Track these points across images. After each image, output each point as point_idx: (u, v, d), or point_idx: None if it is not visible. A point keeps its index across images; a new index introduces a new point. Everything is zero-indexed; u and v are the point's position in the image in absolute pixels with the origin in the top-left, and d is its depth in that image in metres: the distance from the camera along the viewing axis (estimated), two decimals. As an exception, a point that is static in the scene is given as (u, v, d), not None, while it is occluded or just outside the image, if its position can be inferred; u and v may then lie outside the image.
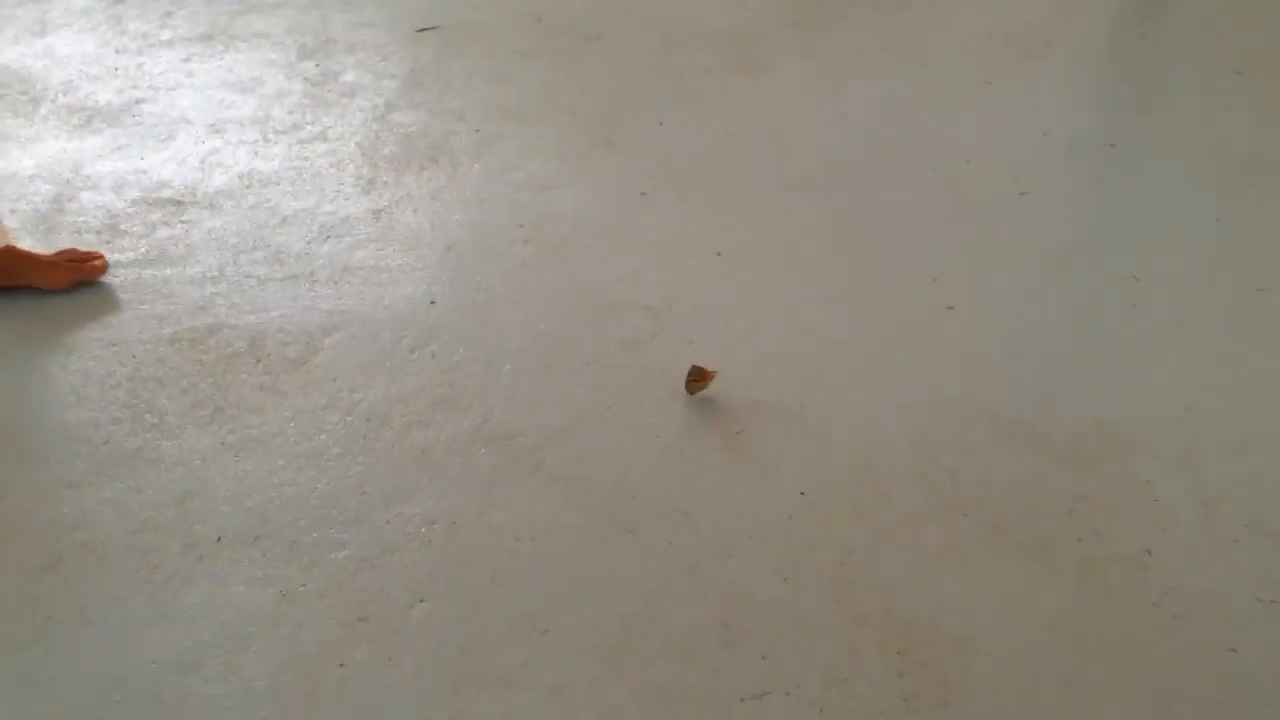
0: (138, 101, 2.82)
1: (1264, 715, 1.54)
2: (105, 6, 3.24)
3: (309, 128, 2.72)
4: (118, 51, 3.03)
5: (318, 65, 2.96)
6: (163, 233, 2.39)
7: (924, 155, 2.63)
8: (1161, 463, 1.88)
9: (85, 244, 2.35)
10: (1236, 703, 1.55)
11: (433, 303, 2.21)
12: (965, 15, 3.20)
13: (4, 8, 3.22)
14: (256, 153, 2.63)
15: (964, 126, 2.73)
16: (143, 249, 2.35)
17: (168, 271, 2.29)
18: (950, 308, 2.20)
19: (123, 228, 2.41)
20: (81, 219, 2.43)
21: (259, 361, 2.08)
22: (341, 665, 1.59)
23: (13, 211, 2.42)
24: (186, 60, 2.99)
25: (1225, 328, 2.16)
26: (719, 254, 2.33)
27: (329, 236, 2.38)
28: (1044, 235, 2.39)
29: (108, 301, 2.22)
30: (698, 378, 2.00)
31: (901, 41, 3.07)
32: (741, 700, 1.55)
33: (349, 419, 1.96)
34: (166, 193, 2.51)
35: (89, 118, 2.76)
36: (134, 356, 2.09)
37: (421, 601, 1.67)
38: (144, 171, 2.57)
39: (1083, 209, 2.52)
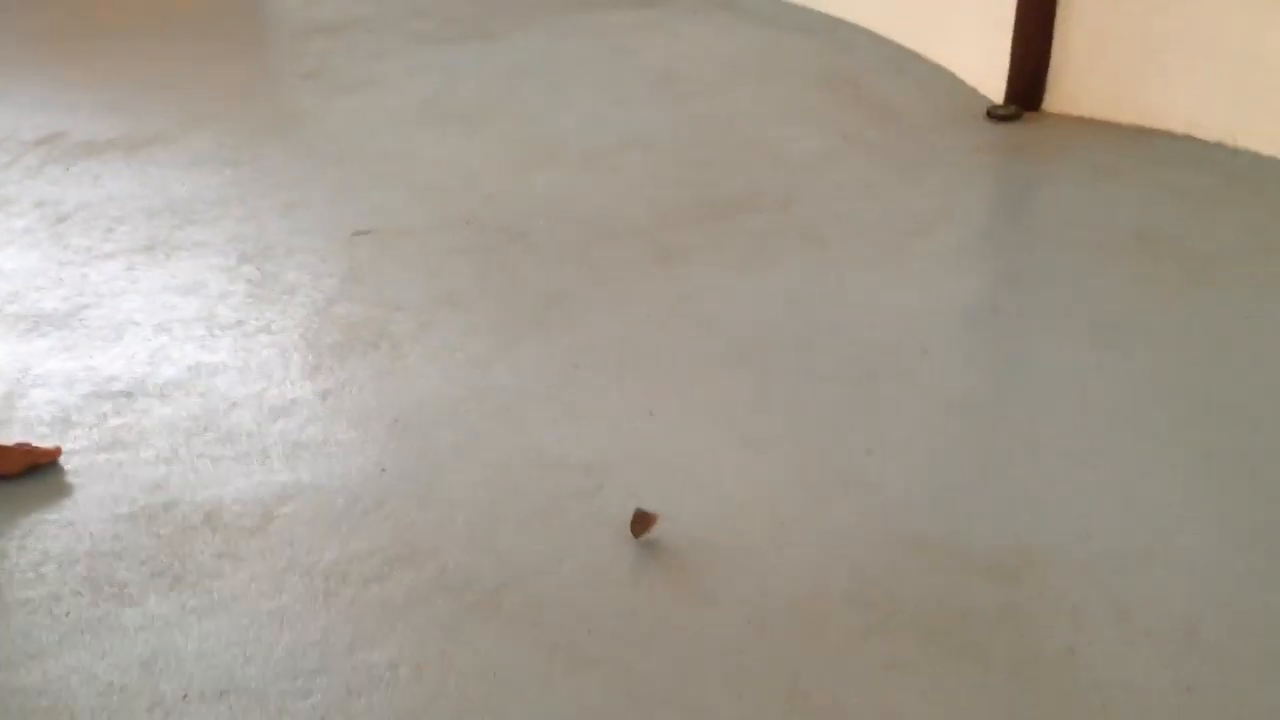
0: (84, 307, 2.94)
1: (1194, 789, 1.65)
2: (48, 225, 3.39)
3: (253, 323, 2.86)
4: (61, 264, 3.17)
5: (258, 268, 3.13)
6: (114, 421, 2.48)
7: (831, 325, 2.85)
8: (1075, 577, 2.04)
9: (38, 436, 2.42)
10: (1168, 779, 1.66)
11: (383, 470, 2.32)
12: (855, 207, 3.51)
13: (-51, 228, 3.36)
14: (203, 347, 2.75)
15: (864, 299, 2.98)
16: (95, 437, 2.42)
17: (121, 456, 2.37)
18: (869, 452, 2.38)
19: (75, 419, 2.48)
20: (33, 413, 2.50)
21: (216, 532, 2.15)
22: (316, 804, 1.62)
23: (-36, 409, 2.48)
24: (130, 269, 3.13)
25: (1116, 458, 2.36)
26: (651, 414, 2.49)
27: (279, 417, 2.49)
28: (946, 387, 2.60)
29: (62, 486, 2.28)
30: (642, 521, 2.12)
31: (801, 230, 3.35)
32: (709, 810, 1.62)
33: (308, 579, 2.03)
34: (116, 386, 2.60)
35: (35, 323, 2.87)
36: (91, 534, 2.14)
37: (391, 740, 1.72)
38: (93, 368, 2.67)
39: (977, 365, 2.75)
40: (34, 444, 2.35)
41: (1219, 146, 3.96)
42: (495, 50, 5.05)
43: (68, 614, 1.96)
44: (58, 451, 2.35)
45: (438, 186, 3.66)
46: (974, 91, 4.53)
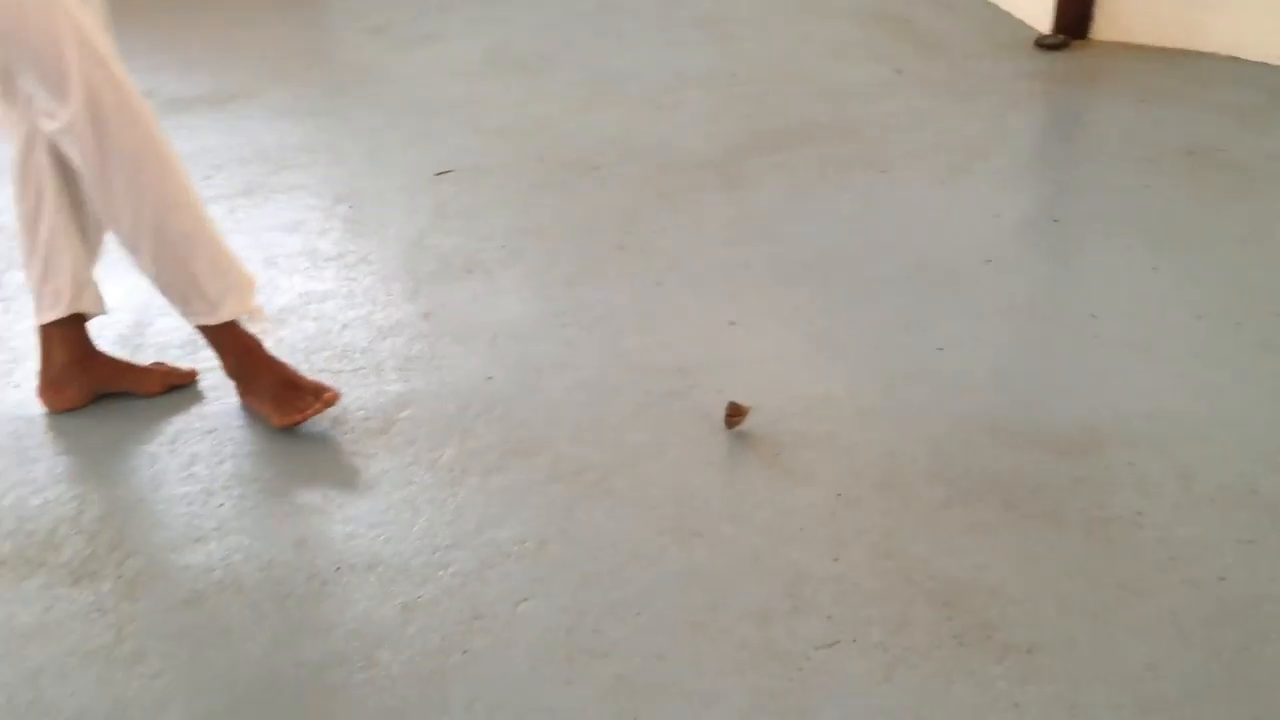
0: (192, 247, 3.15)
1: (1252, 623, 1.81)
2: (148, 175, 3.60)
3: (352, 254, 3.06)
4: (166, 209, 3.37)
5: (351, 207, 3.32)
6: (237, 345, 2.68)
7: (896, 240, 3.01)
8: (1140, 450, 2.20)
9: (169, 359, 2.63)
10: (1232, 617, 1.83)
11: (490, 379, 2.51)
12: (912, 134, 3.65)
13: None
14: (310, 277, 2.96)
15: (927, 215, 3.13)
16: (222, 358, 2.63)
17: (248, 374, 2.57)
18: (940, 349, 2.54)
19: (201, 342, 2.69)
20: (163, 338, 2.71)
21: (345, 434, 2.35)
22: (465, 652, 1.82)
23: (98, 337, 2.70)
24: (233, 211, 3.33)
25: (1174, 346, 2.51)
26: (732, 324, 2.67)
27: (387, 336, 2.68)
28: (1010, 290, 2.76)
29: (200, 399, 2.49)
30: (735, 412, 2.30)
31: (862, 157, 3.50)
32: (815, 649, 1.81)
33: (433, 471, 2.23)
34: (234, 314, 2.81)
35: (151, 262, 3.08)
36: (232, 439, 2.35)
37: (525, 600, 1.92)
38: (210, 299, 2.88)
39: (1038, 269, 2.91)
40: (170, 365, 2.57)
41: (1262, 65, 4.07)
42: (549, 2, 5.21)
43: (221, 505, 2.17)
44: (194, 374, 2.55)
45: (508, 129, 3.84)
46: (1021, 24, 4.64)
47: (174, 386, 2.53)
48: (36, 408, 2.47)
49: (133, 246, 2.24)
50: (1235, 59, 4.15)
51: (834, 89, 4.05)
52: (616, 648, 1.82)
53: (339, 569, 2.00)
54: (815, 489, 2.14)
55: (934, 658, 1.79)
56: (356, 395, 2.47)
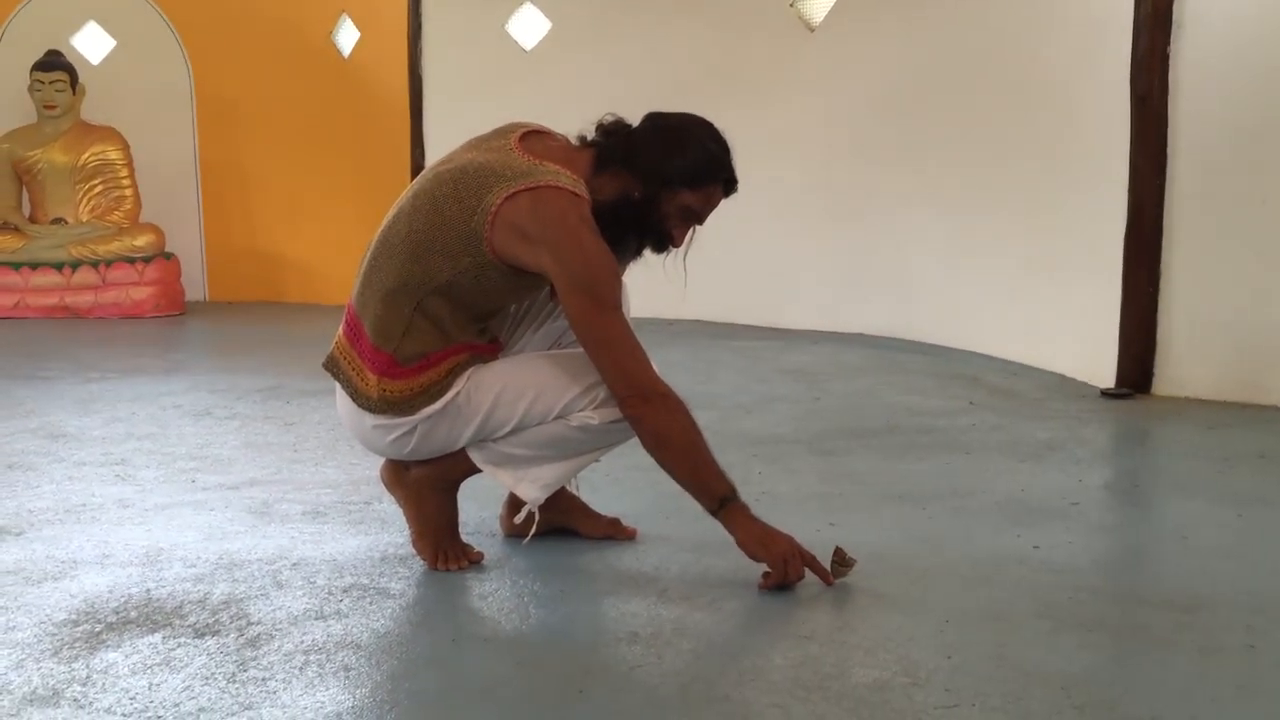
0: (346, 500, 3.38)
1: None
2: (277, 430, 3.90)
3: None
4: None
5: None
6: (358, 519, 2.84)
7: (983, 489, 3.15)
8: (1244, 610, 2.24)
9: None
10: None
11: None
12: (989, 435, 3.85)
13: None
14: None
15: (1010, 479, 3.27)
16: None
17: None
18: (1036, 547, 2.62)
19: (323, 510, 2.86)
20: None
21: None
22: (580, 692, 1.83)
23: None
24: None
25: (1272, 554, 2.58)
26: (832, 524, 2.78)
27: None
28: (1100, 520, 2.90)
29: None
30: (841, 560, 2.38)
31: (943, 444, 3.70)
32: (934, 708, 1.81)
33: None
34: (356, 502, 2.99)
35: (315, 510, 3.30)
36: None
37: (638, 667, 1.94)
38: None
39: (1126, 511, 3.04)
40: (621, 522, 2.75)
41: (1321, 415, 4.30)
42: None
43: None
44: (633, 533, 2.72)
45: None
46: (1085, 384, 4.98)
47: (612, 537, 2.70)
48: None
49: None
50: (1293, 410, 4.40)
51: (912, 409, 4.33)
52: (736, 700, 1.83)
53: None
54: (924, 615, 2.20)
55: (1056, 720, 1.78)
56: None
